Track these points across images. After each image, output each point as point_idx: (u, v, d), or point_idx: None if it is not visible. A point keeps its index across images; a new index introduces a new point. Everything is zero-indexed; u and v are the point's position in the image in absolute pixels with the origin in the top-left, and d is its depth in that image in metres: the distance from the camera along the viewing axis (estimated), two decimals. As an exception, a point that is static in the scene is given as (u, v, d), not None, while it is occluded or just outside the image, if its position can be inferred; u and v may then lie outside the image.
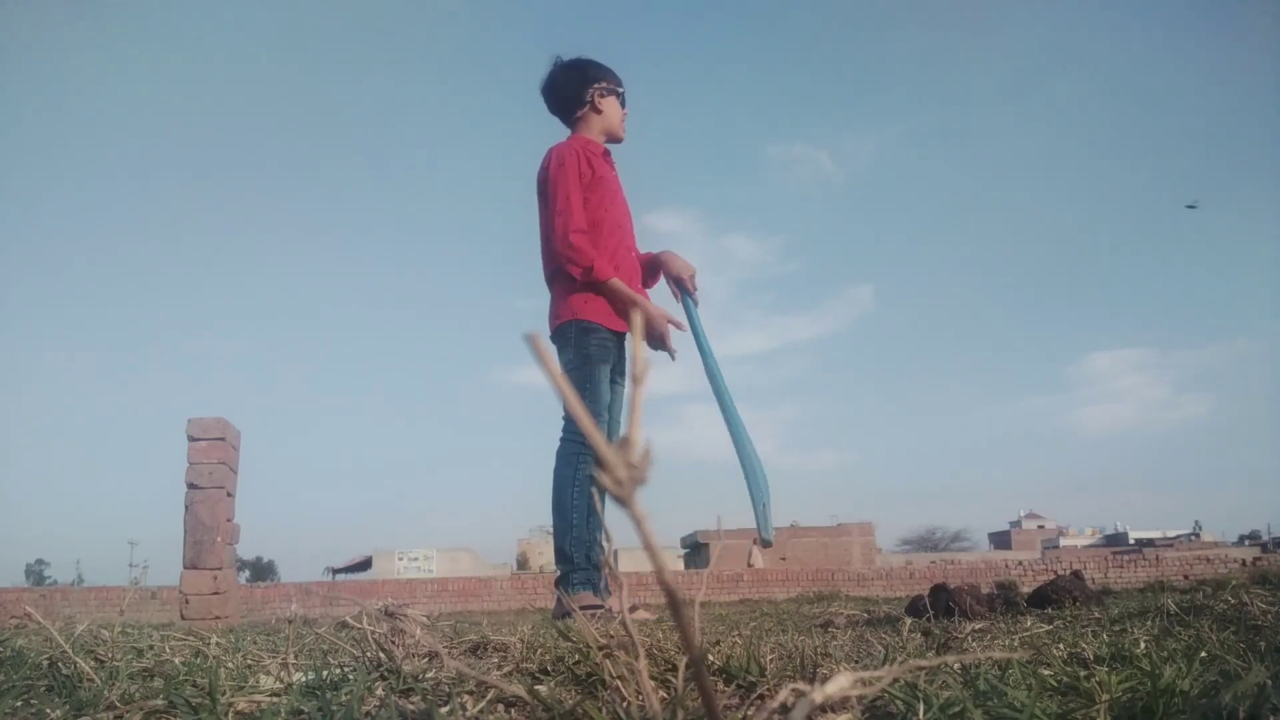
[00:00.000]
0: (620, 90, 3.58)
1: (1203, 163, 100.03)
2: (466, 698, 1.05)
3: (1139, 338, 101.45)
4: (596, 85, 3.52)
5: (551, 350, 3.29)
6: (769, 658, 1.24)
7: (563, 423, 3.28)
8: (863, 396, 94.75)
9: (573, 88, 3.53)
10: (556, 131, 3.70)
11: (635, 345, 0.48)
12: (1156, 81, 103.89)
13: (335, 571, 40.95)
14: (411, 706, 1.04)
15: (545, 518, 3.62)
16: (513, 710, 1.02)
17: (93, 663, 1.27)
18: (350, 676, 1.18)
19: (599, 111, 3.52)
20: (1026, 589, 3.17)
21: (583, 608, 3.11)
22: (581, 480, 3.15)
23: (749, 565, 18.42)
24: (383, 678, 1.21)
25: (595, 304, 3.26)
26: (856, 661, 1.48)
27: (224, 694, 1.05)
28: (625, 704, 0.97)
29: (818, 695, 0.52)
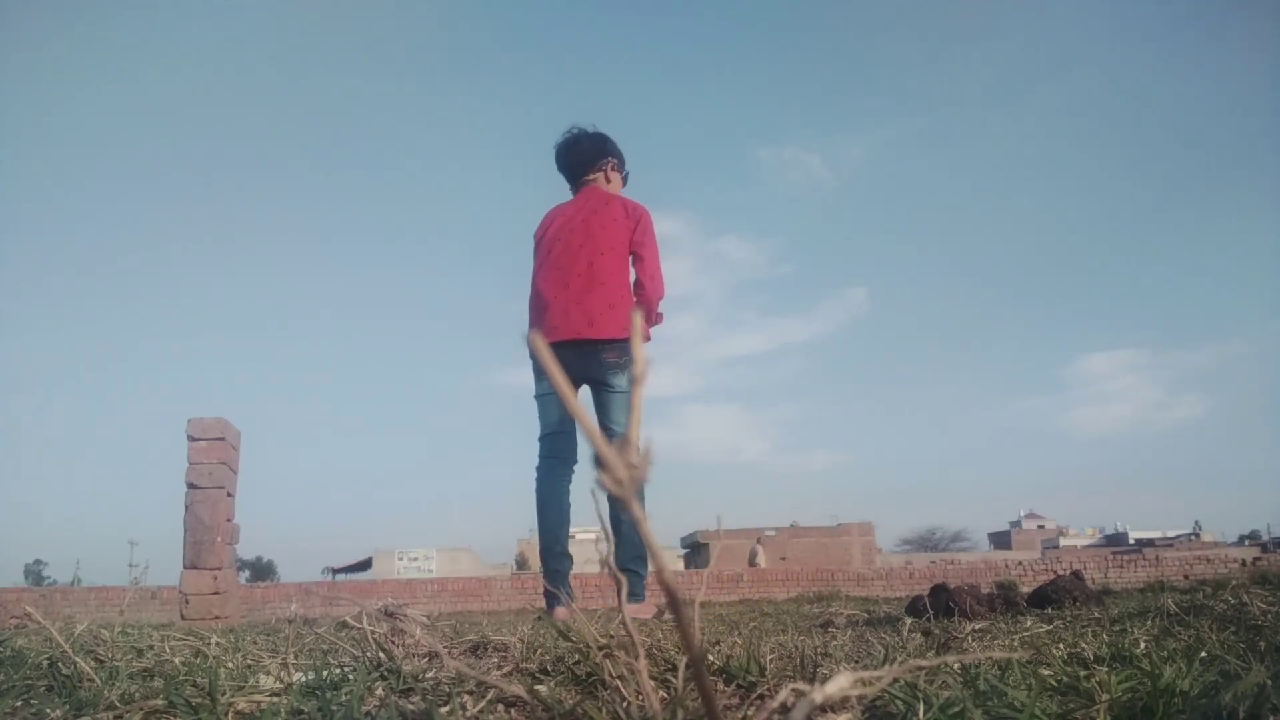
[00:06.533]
0: (626, 172, 4.12)
1: (1194, 165, 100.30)
2: (466, 698, 1.05)
3: (1132, 339, 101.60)
4: (612, 158, 4.04)
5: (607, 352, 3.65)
6: (769, 658, 1.24)
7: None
8: (859, 397, 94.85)
9: (592, 155, 4.02)
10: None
11: (636, 348, 0.48)
12: (1147, 84, 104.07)
13: (335, 571, 40.95)
14: (411, 706, 1.04)
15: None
16: (513, 710, 1.02)
17: (93, 663, 1.27)
18: (350, 676, 1.18)
19: (608, 181, 4.01)
20: (1026, 589, 3.17)
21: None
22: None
23: (752, 565, 18.36)
24: (383, 678, 1.20)
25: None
26: (856, 661, 1.48)
27: (224, 694, 1.05)
28: (625, 704, 0.97)
29: (818, 695, 0.52)
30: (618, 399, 3.66)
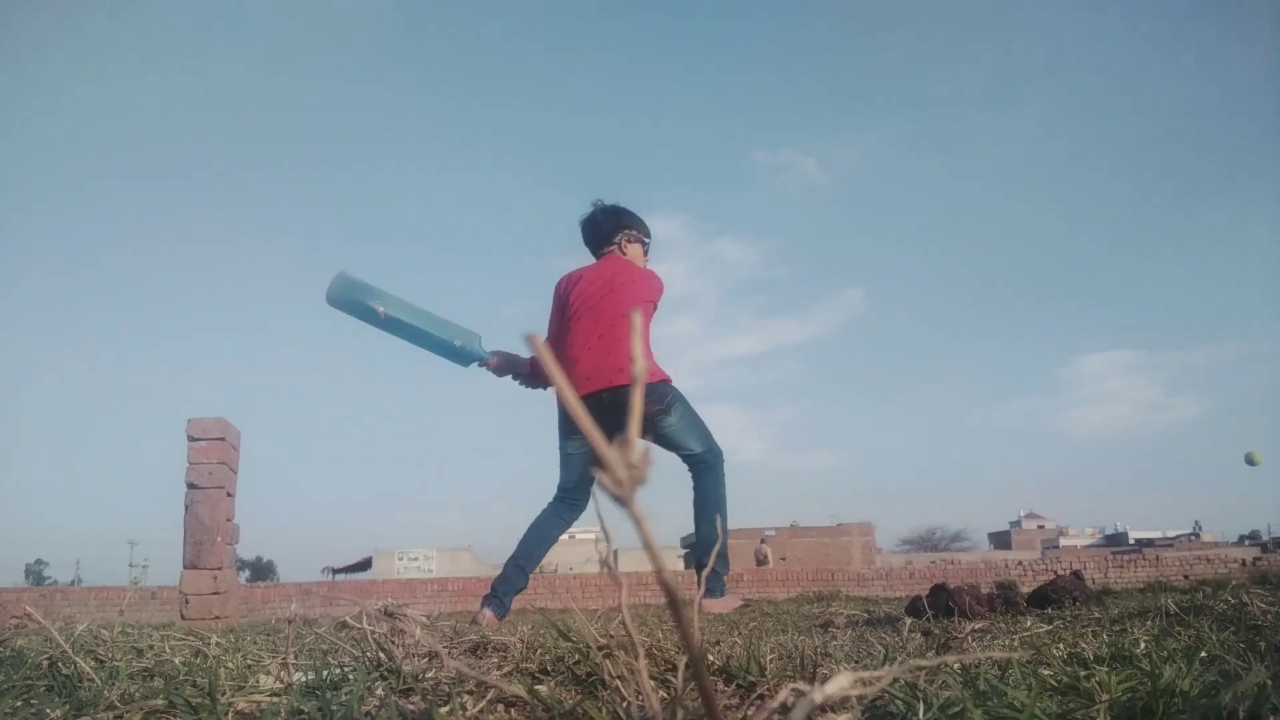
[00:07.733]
0: (646, 241, 4.29)
1: (1189, 165, 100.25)
2: (466, 698, 1.05)
3: (1129, 340, 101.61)
4: (627, 232, 4.24)
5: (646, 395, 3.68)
6: (769, 658, 1.24)
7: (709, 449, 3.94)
8: (857, 397, 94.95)
9: (607, 230, 4.24)
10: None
11: (636, 347, 0.48)
12: (1142, 84, 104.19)
13: (335, 571, 40.94)
14: (411, 706, 1.04)
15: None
16: (513, 710, 1.02)
17: (93, 663, 1.27)
18: (350, 676, 1.18)
19: (624, 253, 4.20)
20: (1026, 589, 3.16)
21: None
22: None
23: (761, 564, 18.32)
24: (383, 678, 1.20)
25: None
26: (856, 661, 1.48)
27: (224, 694, 1.05)
28: (625, 704, 0.97)
29: (818, 695, 0.52)
30: (677, 429, 3.87)
